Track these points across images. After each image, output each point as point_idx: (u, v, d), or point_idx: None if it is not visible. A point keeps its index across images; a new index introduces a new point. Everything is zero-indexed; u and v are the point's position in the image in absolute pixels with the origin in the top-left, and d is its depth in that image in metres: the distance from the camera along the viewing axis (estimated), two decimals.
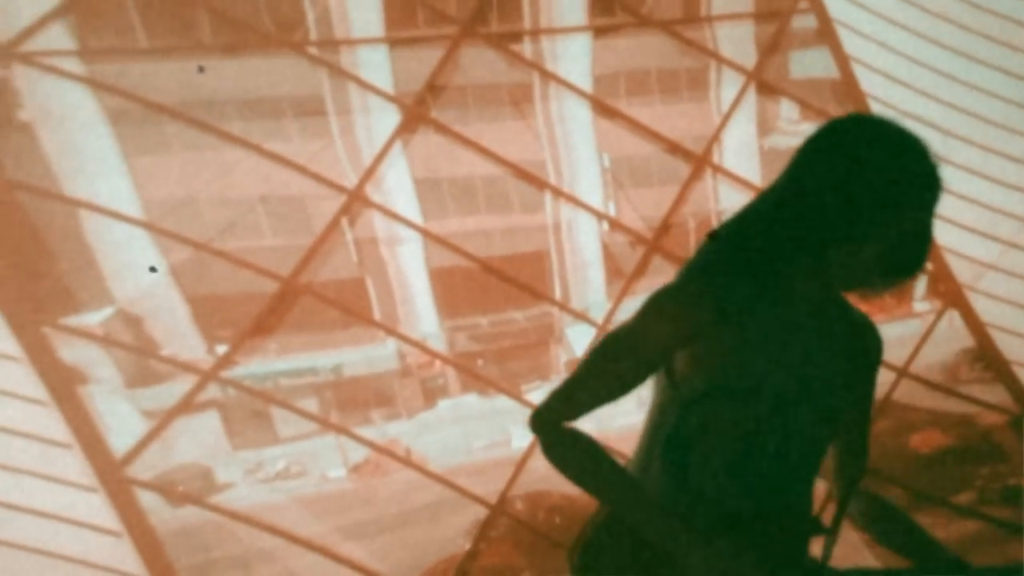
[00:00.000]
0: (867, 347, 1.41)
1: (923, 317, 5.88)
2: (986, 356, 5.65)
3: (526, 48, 5.01)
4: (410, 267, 4.83)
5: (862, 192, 1.24)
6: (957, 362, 5.81)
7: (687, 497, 1.31)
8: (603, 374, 1.29)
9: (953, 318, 5.71)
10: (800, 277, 1.30)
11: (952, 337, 5.77)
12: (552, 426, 1.29)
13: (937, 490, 5.14)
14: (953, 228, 5.64)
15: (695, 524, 1.27)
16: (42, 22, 3.98)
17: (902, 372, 5.44)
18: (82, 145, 4.13)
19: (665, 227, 5.28)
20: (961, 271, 5.73)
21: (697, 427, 1.30)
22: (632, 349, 1.28)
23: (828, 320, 1.35)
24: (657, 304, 1.28)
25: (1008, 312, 5.63)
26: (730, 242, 1.32)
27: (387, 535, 4.59)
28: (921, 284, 6.39)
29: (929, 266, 5.94)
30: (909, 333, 5.85)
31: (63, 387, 3.77)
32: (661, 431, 1.32)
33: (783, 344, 1.30)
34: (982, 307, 5.70)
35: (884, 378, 5.50)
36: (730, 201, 5.61)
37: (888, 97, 5.65)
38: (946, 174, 1.31)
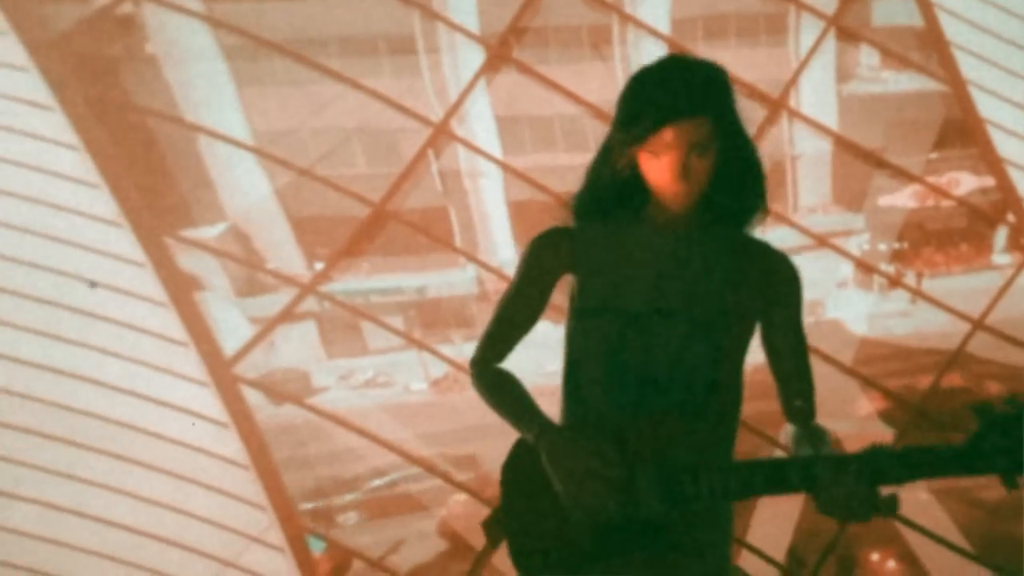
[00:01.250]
0: (758, 271, 1.44)
1: (1002, 270, 5.70)
2: None
3: None
4: (490, 198, 4.97)
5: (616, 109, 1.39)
6: None
7: (580, 410, 1.46)
8: (507, 312, 1.50)
9: None
10: (657, 209, 1.41)
11: None
12: (476, 364, 1.52)
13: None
14: None
15: (577, 433, 1.38)
16: None
17: (977, 324, 5.25)
18: (200, 76, 4.40)
19: None
20: None
21: (577, 346, 1.45)
22: (519, 287, 1.48)
23: (697, 245, 1.43)
24: (528, 247, 1.49)
25: None
26: (583, 185, 1.47)
27: (462, 444, 4.80)
28: (1001, 236, 6.17)
29: (1011, 217, 5.72)
30: (987, 286, 5.67)
31: (181, 292, 4.09)
32: (565, 356, 1.50)
33: (636, 267, 1.42)
34: None
35: (958, 329, 5.41)
36: (806, 146, 5.55)
37: (972, 45, 5.43)
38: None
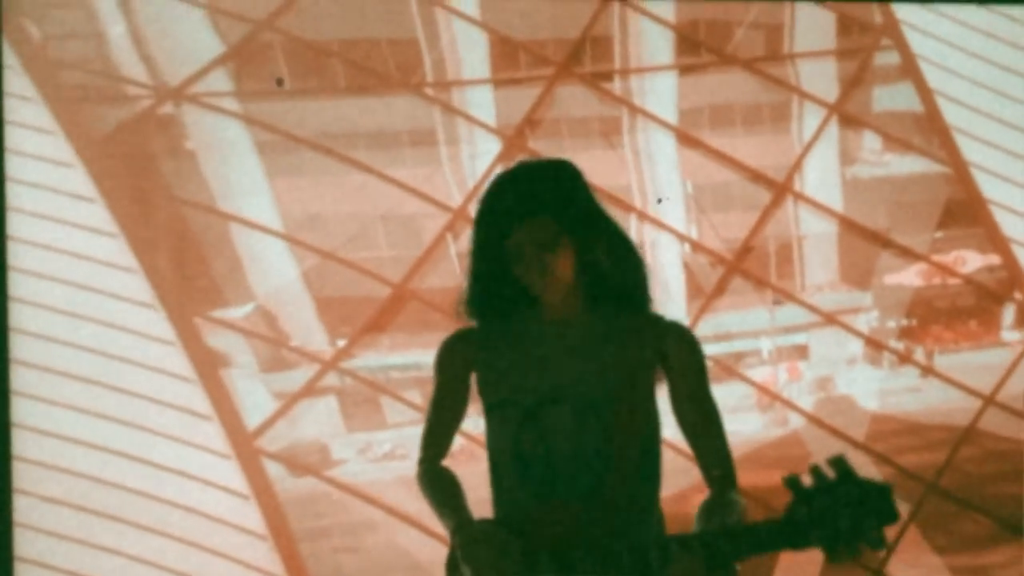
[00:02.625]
0: (650, 348, 1.49)
1: (1011, 346, 5.61)
2: None
3: (616, 86, 5.16)
4: None
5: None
6: None
7: (502, 501, 1.53)
8: (434, 415, 1.64)
9: None
10: (544, 304, 1.47)
11: None
12: (419, 464, 1.64)
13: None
14: None
15: (504, 522, 1.46)
16: (206, 68, 4.49)
17: (988, 400, 5.21)
18: (234, 169, 4.58)
19: (745, 249, 5.28)
20: None
21: (490, 440, 1.54)
22: (437, 392, 1.62)
23: (584, 333, 1.48)
24: (436, 355, 1.63)
25: None
26: (474, 289, 1.56)
27: (476, 515, 4.76)
28: (1009, 313, 6.06)
29: (1018, 295, 5.65)
30: (996, 362, 5.59)
31: (208, 368, 4.20)
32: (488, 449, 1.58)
33: (529, 360, 1.49)
34: None
35: (969, 405, 5.30)
36: (811, 227, 5.55)
37: (973, 129, 5.46)
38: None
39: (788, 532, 1.30)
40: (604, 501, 1.45)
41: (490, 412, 1.53)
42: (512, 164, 1.53)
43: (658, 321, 1.53)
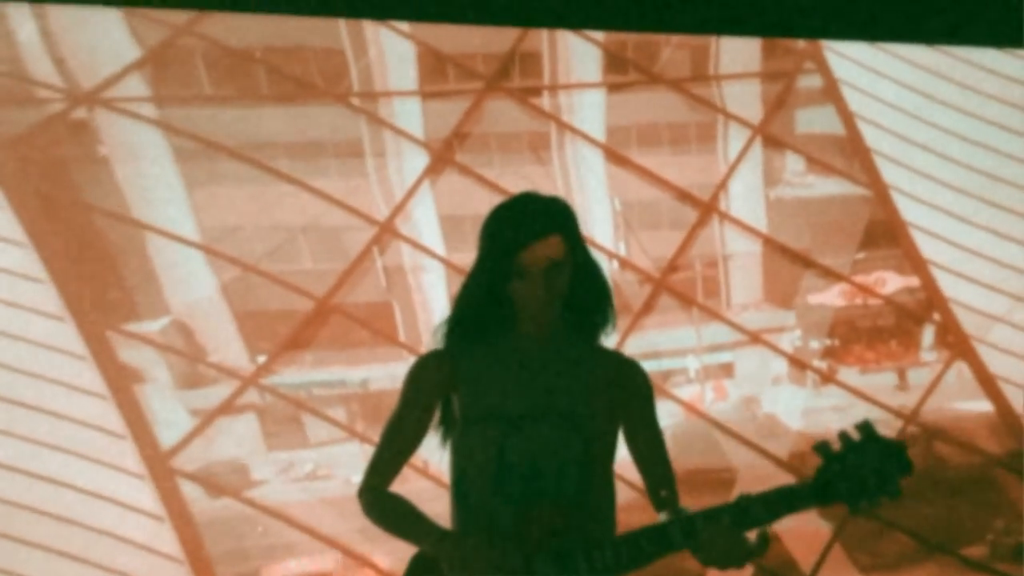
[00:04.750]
0: (610, 379, 1.64)
1: (931, 366, 5.95)
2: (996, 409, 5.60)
3: (545, 101, 5.37)
4: (433, 294, 5.15)
5: (480, 241, 1.63)
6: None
7: (470, 514, 1.61)
8: (391, 438, 1.67)
9: (962, 369, 5.71)
10: (525, 324, 1.61)
11: (962, 389, 5.76)
12: (364, 492, 1.68)
13: (947, 541, 5.17)
14: (961, 281, 5.72)
15: (472, 534, 1.54)
16: (122, 73, 4.52)
17: (909, 420, 5.46)
18: (150, 177, 4.60)
19: (672, 267, 5.53)
20: (970, 323, 5.74)
21: (464, 455, 1.62)
22: (402, 412, 1.66)
23: (559, 354, 1.62)
24: (409, 373, 1.68)
25: (1018, 366, 5.47)
26: (456, 310, 1.67)
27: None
28: (929, 334, 6.47)
29: (936, 316, 6.00)
30: (917, 382, 5.91)
31: (121, 384, 4.20)
32: (452, 468, 1.67)
33: (512, 376, 1.61)
34: (992, 360, 5.53)
35: (892, 425, 5.58)
36: (736, 246, 5.86)
37: (892, 152, 5.80)
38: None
39: (821, 489, 1.51)
40: (582, 506, 1.58)
41: (469, 424, 1.61)
42: (514, 196, 1.67)
43: (616, 357, 1.70)
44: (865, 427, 1.54)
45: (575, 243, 1.62)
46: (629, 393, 1.67)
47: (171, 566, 4.15)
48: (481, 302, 1.63)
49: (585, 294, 1.64)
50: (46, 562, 3.89)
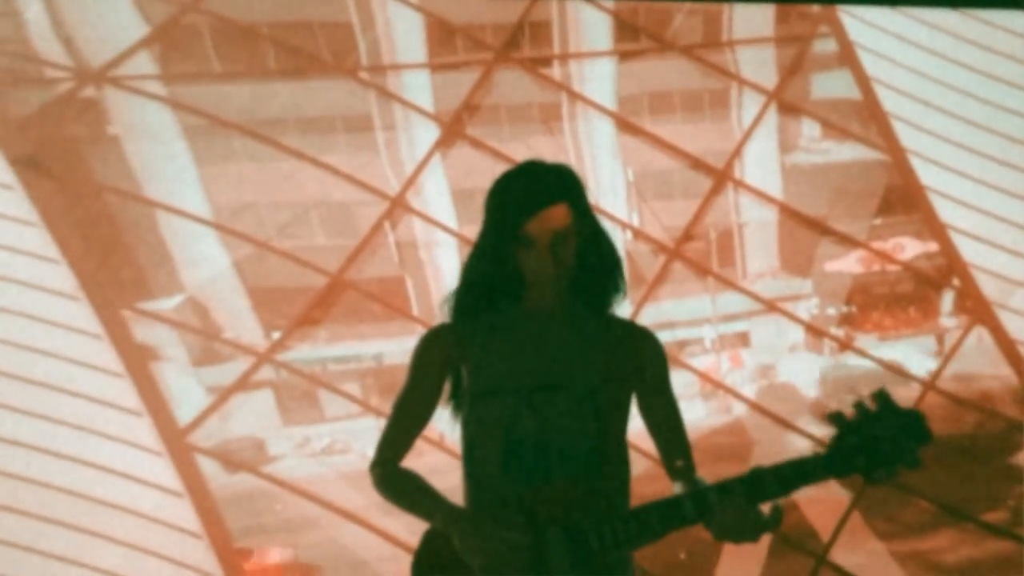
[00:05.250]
0: (624, 349, 1.60)
1: (951, 333, 5.89)
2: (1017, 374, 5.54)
3: (555, 71, 5.33)
4: (445, 268, 5.15)
5: (485, 211, 1.60)
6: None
7: (481, 489, 1.58)
8: (402, 412, 1.66)
9: (982, 335, 5.65)
10: (533, 295, 1.58)
11: (982, 354, 5.69)
12: (375, 467, 1.66)
13: (968, 507, 5.15)
14: (981, 245, 5.64)
15: (484, 511, 1.54)
16: (130, 51, 4.52)
17: (928, 386, 5.42)
18: (161, 155, 4.62)
19: (687, 237, 5.49)
20: (990, 289, 5.67)
21: (473, 429, 1.60)
22: (412, 386, 1.64)
23: (569, 326, 1.59)
24: (416, 347, 1.67)
25: None
26: (463, 281, 1.65)
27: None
28: (948, 299, 6.40)
29: (956, 281, 5.94)
30: (936, 348, 5.85)
31: (137, 362, 4.24)
32: (462, 442, 1.66)
33: (521, 349, 1.58)
34: (1013, 325, 5.46)
35: (910, 393, 5.55)
36: (751, 214, 5.81)
37: (910, 116, 5.71)
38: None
39: (835, 461, 1.48)
40: (594, 480, 1.55)
41: (478, 399, 1.58)
42: (518, 164, 1.61)
43: (631, 326, 1.66)
44: (881, 396, 1.50)
45: (582, 212, 1.59)
46: (642, 363, 1.63)
47: (190, 541, 4.20)
48: (487, 273, 1.60)
49: (595, 264, 1.61)
50: (69, 539, 3.95)
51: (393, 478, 1.64)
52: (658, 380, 1.65)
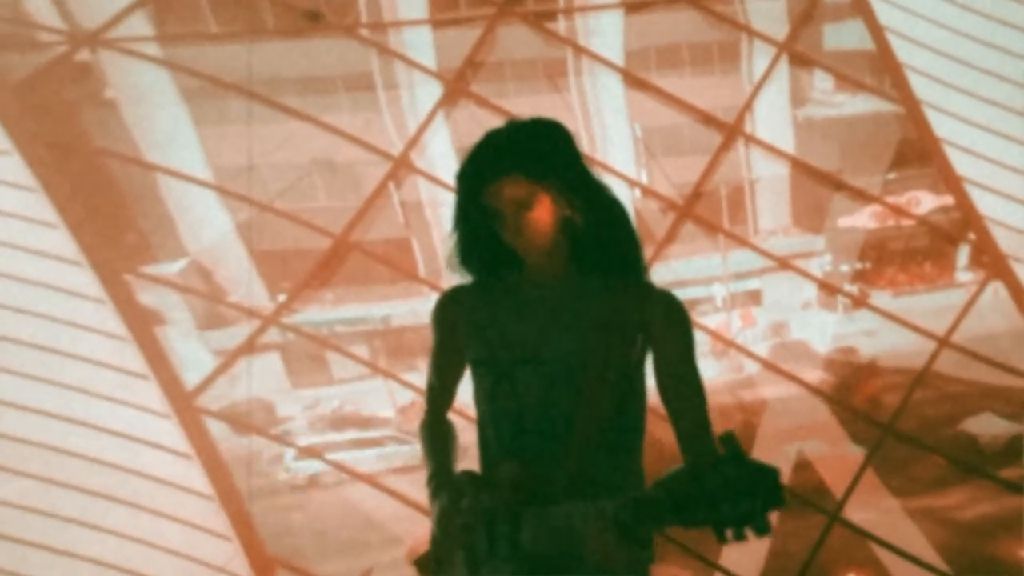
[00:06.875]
0: (634, 315, 1.48)
1: (966, 287, 5.78)
2: None
3: (560, 26, 5.20)
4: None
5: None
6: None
7: (485, 453, 1.52)
8: (434, 372, 1.60)
9: (998, 289, 5.53)
10: (529, 265, 1.49)
11: (998, 309, 5.59)
12: (422, 422, 1.62)
13: (983, 464, 5.11)
14: (998, 198, 5.50)
15: (490, 473, 1.50)
16: (125, 12, 4.43)
17: (942, 342, 5.28)
18: (159, 118, 4.56)
19: (696, 194, 5.38)
20: (1006, 243, 5.54)
21: (476, 394, 1.54)
22: (436, 347, 1.58)
23: (566, 296, 1.50)
24: (432, 312, 1.59)
25: None
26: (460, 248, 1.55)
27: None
28: (964, 254, 6.27)
29: (971, 235, 5.80)
30: (951, 303, 5.74)
31: (142, 326, 4.21)
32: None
33: (506, 321, 1.50)
34: None
35: (924, 347, 5.46)
36: (762, 169, 5.68)
37: (924, 66, 5.54)
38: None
39: (681, 509, 1.33)
40: (571, 463, 1.48)
41: (473, 369, 1.54)
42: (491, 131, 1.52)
43: (645, 289, 1.52)
44: (728, 441, 1.31)
45: (548, 178, 1.46)
46: (654, 328, 1.49)
47: (201, 502, 4.21)
48: (468, 244, 1.52)
49: (594, 230, 1.48)
50: (76, 504, 3.97)
51: (425, 433, 1.61)
52: (671, 347, 1.49)
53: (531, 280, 1.50)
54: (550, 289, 1.50)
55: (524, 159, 1.43)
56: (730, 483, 1.30)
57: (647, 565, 1.43)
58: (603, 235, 1.48)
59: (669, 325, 1.49)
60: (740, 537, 1.30)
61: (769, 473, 1.29)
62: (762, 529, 1.30)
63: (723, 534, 1.30)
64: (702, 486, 1.31)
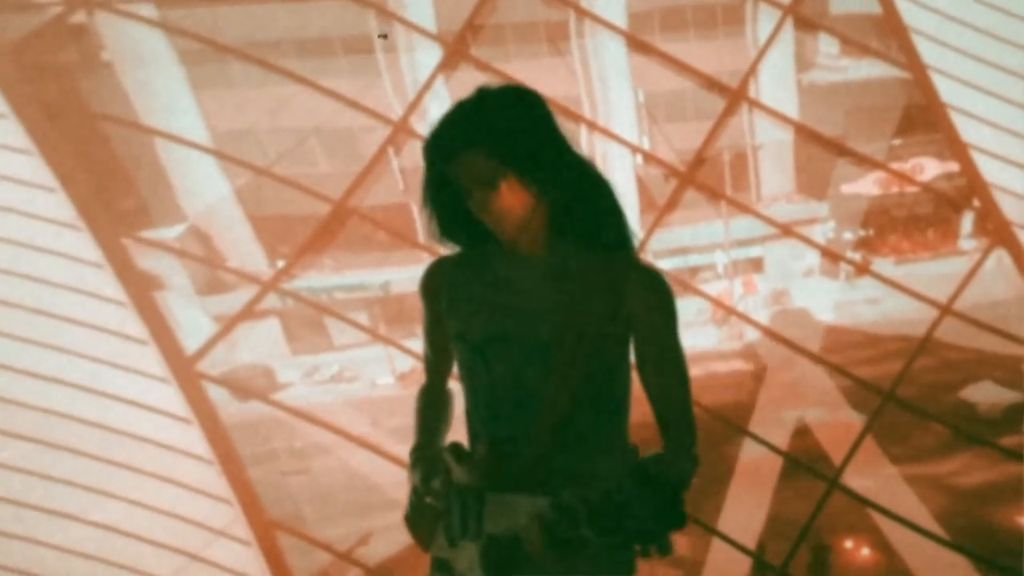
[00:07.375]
0: (614, 290, 1.44)
1: (969, 255, 5.74)
2: None
3: None
4: None
5: None
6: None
7: (470, 430, 1.51)
8: (427, 340, 1.58)
9: (1002, 257, 5.50)
10: (506, 240, 1.44)
11: (1002, 277, 5.56)
12: (422, 384, 1.62)
13: (983, 431, 5.08)
14: (1004, 165, 5.45)
15: (473, 448, 1.49)
16: None
17: (945, 310, 5.26)
18: (156, 81, 4.51)
19: (699, 160, 5.32)
20: (1011, 210, 5.49)
21: (459, 369, 1.52)
22: (425, 319, 1.55)
23: (543, 271, 1.45)
24: (419, 282, 1.57)
25: None
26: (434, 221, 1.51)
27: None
28: (968, 221, 6.23)
29: (976, 202, 5.76)
30: (954, 271, 5.70)
31: (140, 291, 4.20)
32: None
33: (481, 297, 1.46)
34: None
35: (926, 315, 5.44)
36: (766, 135, 5.62)
37: (931, 30, 5.46)
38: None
39: (593, 519, 1.36)
40: (534, 448, 1.45)
41: (454, 343, 1.50)
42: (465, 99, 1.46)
43: (626, 263, 1.47)
44: (635, 457, 1.33)
45: (511, 154, 1.37)
46: (633, 305, 1.44)
47: (201, 466, 4.23)
48: (441, 220, 1.47)
49: (570, 206, 1.41)
50: (77, 468, 3.99)
51: (419, 401, 1.62)
52: (652, 328, 1.45)
53: (509, 255, 1.46)
54: (527, 264, 1.45)
55: (484, 134, 1.37)
56: (633, 501, 1.33)
57: (629, 564, 1.41)
58: (580, 210, 1.43)
59: (649, 303, 1.45)
60: (646, 554, 1.33)
61: (669, 494, 1.33)
62: (663, 549, 1.32)
63: (634, 549, 1.33)
64: (611, 500, 1.34)
